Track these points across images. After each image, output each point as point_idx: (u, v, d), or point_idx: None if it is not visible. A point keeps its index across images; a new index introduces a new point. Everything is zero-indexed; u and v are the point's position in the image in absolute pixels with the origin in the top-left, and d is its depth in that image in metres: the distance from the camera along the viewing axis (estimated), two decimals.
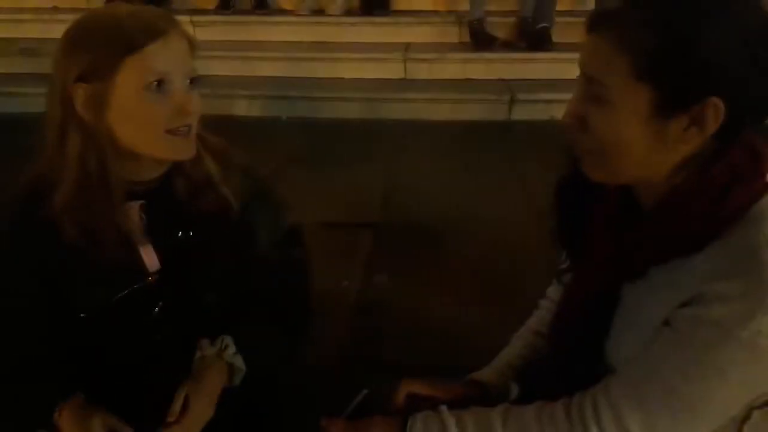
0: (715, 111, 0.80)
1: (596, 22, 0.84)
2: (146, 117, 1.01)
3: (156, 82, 1.00)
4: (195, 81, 1.06)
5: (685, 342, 0.83)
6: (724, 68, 0.78)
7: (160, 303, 1.13)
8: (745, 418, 0.87)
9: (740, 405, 0.85)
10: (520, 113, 3.74)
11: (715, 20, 0.77)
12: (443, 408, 0.96)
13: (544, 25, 3.97)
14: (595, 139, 0.86)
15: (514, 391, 1.08)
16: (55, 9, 4.66)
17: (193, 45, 1.06)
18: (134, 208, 1.09)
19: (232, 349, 1.12)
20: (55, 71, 1.02)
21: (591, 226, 0.99)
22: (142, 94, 1.00)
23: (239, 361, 1.13)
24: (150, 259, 1.12)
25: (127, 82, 1.00)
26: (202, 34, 4.33)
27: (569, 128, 0.88)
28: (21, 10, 4.69)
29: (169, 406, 1.05)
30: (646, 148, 0.84)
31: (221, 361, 1.11)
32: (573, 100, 0.88)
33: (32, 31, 4.47)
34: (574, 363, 0.97)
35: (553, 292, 1.19)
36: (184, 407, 1.05)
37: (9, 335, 1.11)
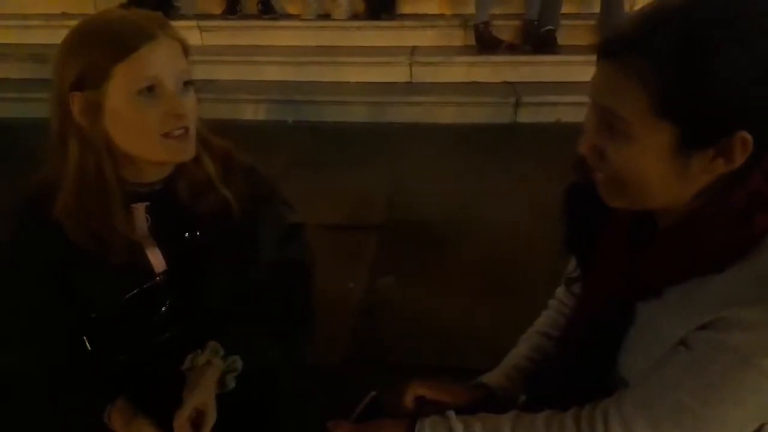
0: (742, 145, 0.77)
1: (609, 51, 0.80)
2: (140, 122, 1.02)
3: (147, 88, 1.01)
4: (189, 83, 1.06)
5: (703, 365, 0.81)
6: (746, 101, 0.76)
7: (167, 303, 1.14)
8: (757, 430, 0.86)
9: (753, 427, 0.84)
10: (526, 116, 3.73)
11: (733, 51, 0.74)
12: (451, 413, 0.96)
13: (550, 27, 3.96)
14: (615, 171, 0.83)
15: (521, 398, 1.09)
16: (64, 15, 4.67)
17: (185, 47, 1.06)
18: (140, 210, 1.10)
19: (221, 353, 1.11)
20: (53, 78, 1.04)
21: (603, 237, 0.97)
22: (135, 99, 1.01)
23: (230, 365, 1.12)
24: (156, 259, 1.13)
25: (120, 88, 1.00)
26: (208, 39, 4.38)
27: (585, 156, 0.85)
28: (29, 16, 4.71)
29: (174, 406, 1.05)
30: (667, 180, 0.82)
31: (213, 368, 1.10)
32: (588, 130, 0.84)
33: (40, 37, 4.48)
34: (584, 372, 0.97)
35: (562, 294, 1.18)
36: (201, 419, 1.05)
37: (34, 339, 1.11)
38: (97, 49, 1.00)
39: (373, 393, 1.03)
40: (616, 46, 0.79)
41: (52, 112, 1.05)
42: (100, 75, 1.00)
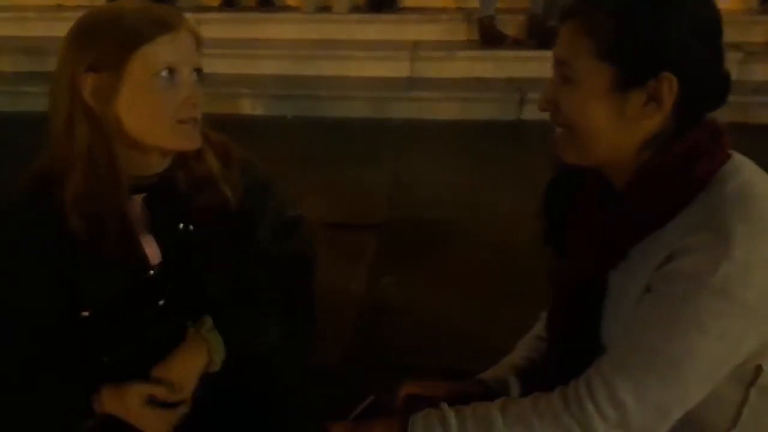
0: (669, 85, 0.88)
1: (568, 13, 0.93)
2: (155, 106, 1.04)
3: (166, 71, 1.04)
4: (200, 75, 1.09)
5: (662, 300, 0.87)
6: (677, 50, 0.88)
7: (163, 297, 1.15)
8: (743, 400, 0.91)
9: (725, 366, 0.87)
10: (531, 113, 3.64)
11: (670, 10, 0.88)
12: (443, 404, 0.98)
13: (554, 24, 3.89)
14: (566, 119, 0.94)
15: (515, 388, 1.11)
16: (60, 7, 4.63)
17: (199, 41, 1.10)
18: (137, 201, 1.11)
19: (208, 325, 1.13)
20: (62, 64, 1.05)
21: (574, 218, 1.04)
22: (152, 82, 1.03)
23: (215, 338, 1.13)
24: (152, 251, 1.13)
25: (138, 71, 1.03)
26: (206, 32, 4.24)
27: (543, 110, 0.96)
28: (25, 8, 4.67)
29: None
30: (610, 124, 0.92)
31: (198, 336, 1.12)
32: (547, 85, 0.96)
33: (36, 29, 4.44)
34: (571, 358, 0.99)
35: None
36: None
37: (25, 332, 1.11)
38: (117, 35, 1.03)
39: (372, 397, 1.05)
40: (575, 8, 0.93)
41: (57, 98, 1.05)
42: (119, 58, 1.02)
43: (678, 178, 0.90)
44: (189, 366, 1.10)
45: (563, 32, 0.94)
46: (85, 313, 1.11)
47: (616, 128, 0.92)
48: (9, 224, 1.11)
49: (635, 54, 0.89)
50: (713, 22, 0.92)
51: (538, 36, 3.98)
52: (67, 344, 1.12)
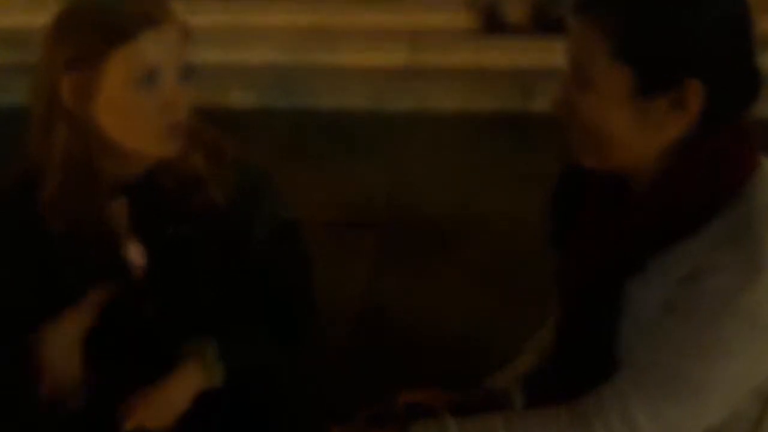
0: (694, 93, 0.84)
1: (580, 9, 0.89)
2: (134, 110, 1.03)
3: (146, 76, 1.01)
4: (187, 73, 1.05)
5: (686, 320, 0.85)
6: (702, 52, 0.84)
7: (150, 300, 1.14)
8: (762, 415, 0.90)
9: (745, 387, 0.86)
10: (536, 104, 3.64)
11: (692, 7, 0.84)
12: (444, 413, 0.99)
13: (560, 10, 3.83)
14: (583, 123, 0.90)
15: (519, 399, 1.10)
16: None
17: (187, 35, 1.06)
18: (121, 203, 1.10)
19: (211, 348, 1.12)
20: (41, 60, 1.04)
21: (584, 220, 1.02)
22: (132, 86, 1.01)
23: (212, 354, 1.12)
24: (136, 255, 1.12)
25: (117, 72, 1.01)
26: (195, 19, 4.22)
27: (558, 113, 0.92)
28: None
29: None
30: (631, 130, 0.88)
31: (196, 358, 1.12)
32: (561, 86, 0.92)
33: (20, 20, 4.29)
34: (581, 367, 0.98)
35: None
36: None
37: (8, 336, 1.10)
38: (97, 29, 1.00)
39: (378, 404, 1.05)
40: (587, 4, 0.88)
41: (36, 95, 1.05)
42: (97, 55, 1.00)
43: (704, 185, 0.88)
44: (173, 402, 1.09)
45: (575, 29, 0.90)
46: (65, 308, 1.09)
47: (638, 134, 0.89)
48: None
49: (655, 57, 0.85)
50: (741, 15, 0.87)
51: (543, 24, 3.97)
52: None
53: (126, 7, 1.02)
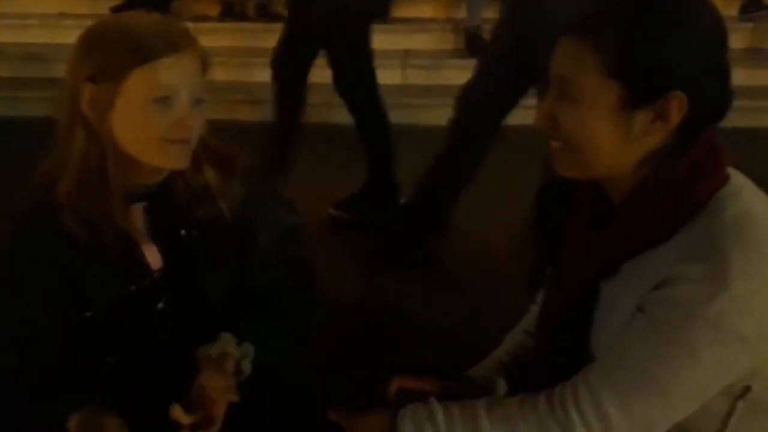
0: (678, 104, 0.86)
1: (570, 29, 0.90)
2: (146, 126, 1.03)
3: (162, 98, 1.02)
4: (200, 101, 1.07)
5: (655, 323, 0.86)
6: (685, 67, 0.86)
7: (163, 301, 1.16)
8: (731, 411, 0.91)
9: (714, 389, 0.87)
10: (516, 118, 3.53)
11: (677, 26, 0.86)
12: (431, 399, 1.00)
13: None
14: (566, 135, 0.91)
15: (502, 387, 1.13)
16: (62, 15, 4.66)
17: (206, 66, 1.07)
18: (138, 209, 1.13)
19: (235, 341, 1.13)
20: (68, 70, 1.04)
21: (566, 226, 1.04)
22: (147, 105, 1.02)
23: (246, 350, 1.14)
24: (153, 257, 1.15)
25: (134, 90, 1.01)
26: (204, 41, 4.29)
27: (541, 128, 0.93)
28: (27, 16, 4.70)
29: (173, 399, 1.06)
30: (614, 141, 0.89)
31: (229, 357, 1.12)
32: (544, 103, 0.93)
33: (38, 36, 4.48)
34: (559, 359, 1.01)
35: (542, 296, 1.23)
36: (189, 404, 1.06)
37: (32, 337, 1.12)
38: (121, 47, 1.01)
39: (370, 394, 1.10)
40: (577, 25, 0.90)
41: (61, 103, 1.05)
42: (118, 71, 1.00)
43: (677, 197, 0.88)
44: (230, 384, 1.08)
45: (564, 47, 0.90)
46: (89, 314, 1.14)
47: (619, 145, 0.89)
48: (13, 232, 1.14)
49: (644, 73, 0.86)
50: (721, 36, 0.89)
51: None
52: (73, 345, 1.13)
53: (152, 30, 1.02)
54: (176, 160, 1.07)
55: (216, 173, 1.14)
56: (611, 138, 0.89)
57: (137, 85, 1.01)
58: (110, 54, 1.01)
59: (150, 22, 1.04)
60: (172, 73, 1.01)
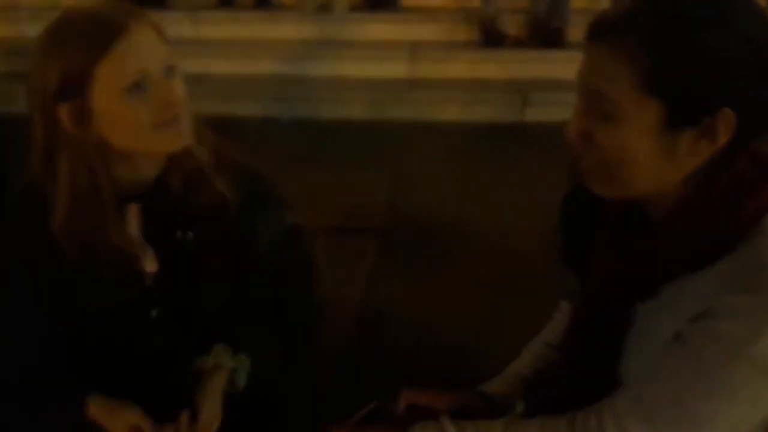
0: (726, 122, 0.80)
1: (598, 33, 0.83)
2: (132, 118, 1.02)
3: (134, 84, 1.00)
4: (173, 68, 1.04)
5: (695, 357, 0.84)
6: (732, 78, 0.80)
7: (157, 309, 1.14)
8: None
9: (749, 424, 0.85)
10: (533, 115, 3.69)
11: (719, 30, 0.79)
12: (444, 417, 0.97)
13: (558, 23, 3.91)
14: (602, 155, 0.85)
15: (520, 406, 1.08)
16: (55, 6, 4.61)
17: (161, 32, 1.05)
18: (133, 210, 1.10)
19: (230, 352, 1.15)
20: (32, 85, 1.03)
21: (597, 240, 0.99)
22: (123, 97, 1.00)
23: (241, 362, 1.15)
24: (149, 261, 1.13)
25: (105, 89, 1.00)
26: (203, 32, 4.32)
27: (574, 146, 0.87)
28: (18, 8, 4.63)
29: (171, 409, 1.07)
30: (655, 162, 0.84)
31: (221, 371, 1.14)
32: (576, 115, 0.86)
33: (30, 29, 4.24)
34: (586, 380, 0.98)
35: (566, 305, 1.17)
36: (194, 415, 1.10)
37: (20, 345, 1.13)
38: (73, 53, 0.99)
39: (375, 402, 1.05)
40: (605, 28, 0.83)
41: (35, 122, 1.04)
42: (82, 80, 0.99)
43: (724, 213, 0.84)
44: (216, 401, 1.12)
45: (594, 56, 0.84)
46: (82, 323, 1.11)
47: (661, 165, 0.84)
48: (4, 240, 1.11)
49: (687, 90, 0.80)
50: (764, 32, 0.81)
51: (540, 36, 3.97)
52: (65, 353, 1.12)
53: (95, 21, 1.00)
54: (176, 139, 1.06)
55: (209, 153, 1.13)
56: (653, 159, 0.84)
57: (105, 83, 1.00)
58: (68, 62, 0.99)
59: (88, 14, 1.02)
60: (131, 55, 0.99)
